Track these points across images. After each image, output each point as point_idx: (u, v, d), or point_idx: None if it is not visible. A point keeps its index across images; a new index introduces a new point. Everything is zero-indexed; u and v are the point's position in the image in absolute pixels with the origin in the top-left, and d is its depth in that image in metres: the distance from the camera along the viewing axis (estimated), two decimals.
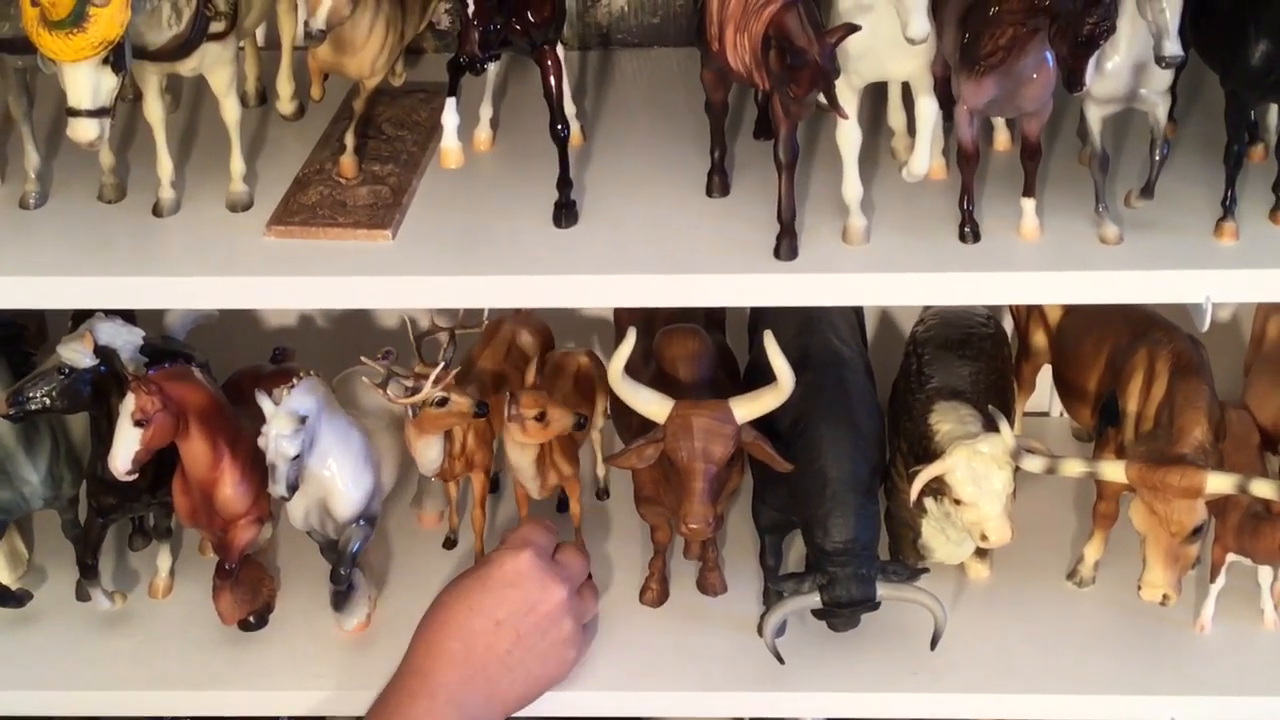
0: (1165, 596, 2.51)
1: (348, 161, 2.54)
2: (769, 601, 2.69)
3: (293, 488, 2.51)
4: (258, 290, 2.36)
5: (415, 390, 2.59)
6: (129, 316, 2.72)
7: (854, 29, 2.17)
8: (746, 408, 2.48)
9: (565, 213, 2.42)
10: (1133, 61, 2.28)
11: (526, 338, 2.92)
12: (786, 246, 2.31)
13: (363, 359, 2.63)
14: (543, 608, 2.54)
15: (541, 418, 2.64)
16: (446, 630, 2.53)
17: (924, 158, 2.35)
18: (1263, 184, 2.41)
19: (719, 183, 2.50)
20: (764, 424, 2.52)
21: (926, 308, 2.94)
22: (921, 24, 2.16)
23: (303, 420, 2.49)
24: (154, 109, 2.47)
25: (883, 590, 2.53)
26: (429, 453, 2.73)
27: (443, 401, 2.60)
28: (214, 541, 2.74)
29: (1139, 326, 2.69)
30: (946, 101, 2.37)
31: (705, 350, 2.69)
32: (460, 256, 2.36)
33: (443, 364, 2.61)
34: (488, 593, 2.54)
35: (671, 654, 2.71)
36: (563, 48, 2.51)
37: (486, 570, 2.57)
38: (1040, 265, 2.29)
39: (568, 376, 2.89)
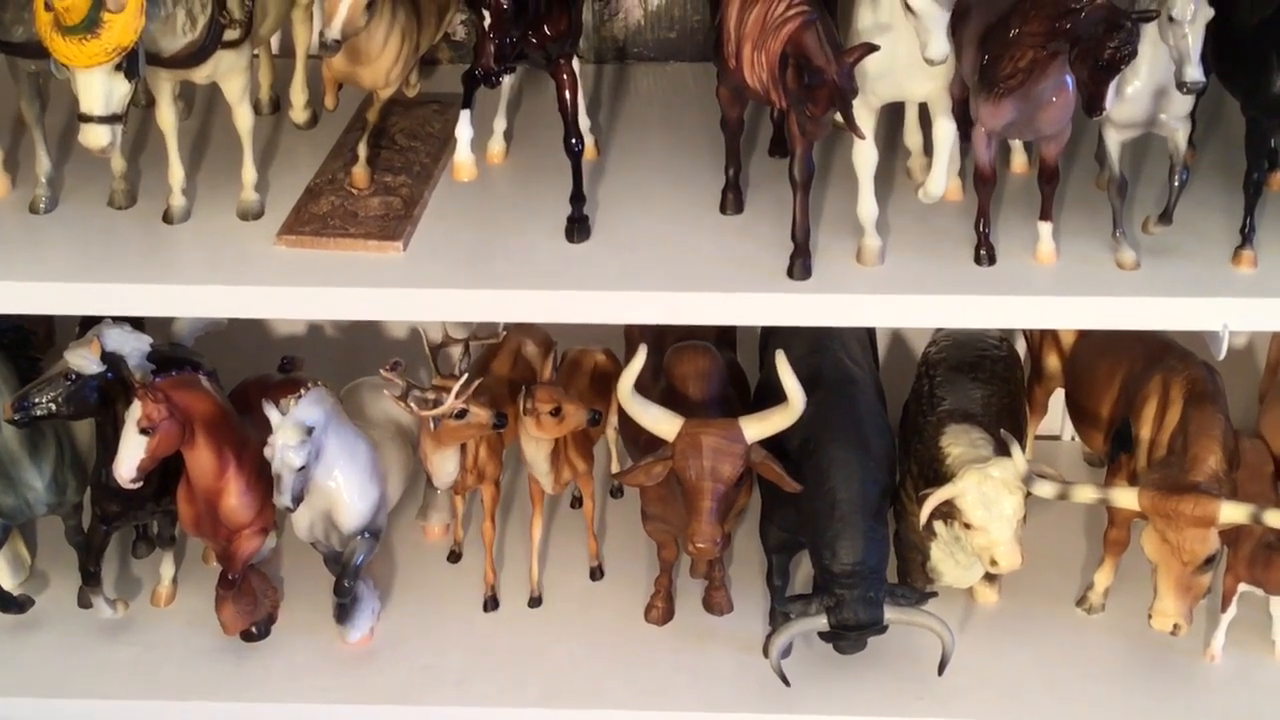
0: (1176, 626, 2.48)
1: (360, 172, 2.53)
2: (775, 622, 2.67)
3: (298, 499, 2.50)
4: (267, 300, 2.36)
5: (437, 403, 2.57)
6: (137, 323, 2.70)
7: (873, 49, 2.15)
8: (756, 427, 2.46)
9: (578, 227, 2.41)
10: (1153, 86, 2.27)
11: (531, 348, 2.91)
12: (800, 266, 2.30)
13: (381, 372, 2.62)
14: None
15: (557, 413, 2.63)
16: None
17: (940, 179, 2.34)
18: None
19: (733, 200, 2.49)
20: (773, 443, 2.50)
21: (939, 329, 2.92)
22: (941, 45, 2.15)
23: (309, 431, 2.48)
24: (167, 116, 2.46)
25: (890, 613, 2.51)
26: (446, 465, 2.72)
27: (462, 414, 2.59)
28: (218, 551, 2.73)
29: (1154, 352, 2.67)
30: (964, 123, 2.36)
31: (716, 368, 2.68)
32: (471, 270, 2.35)
33: (465, 376, 2.59)
34: None
35: (676, 673, 2.69)
36: (579, 61, 2.50)
37: None
38: (1056, 290, 2.28)
39: (584, 374, 2.88)
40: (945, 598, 2.69)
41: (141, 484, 2.51)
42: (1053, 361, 2.93)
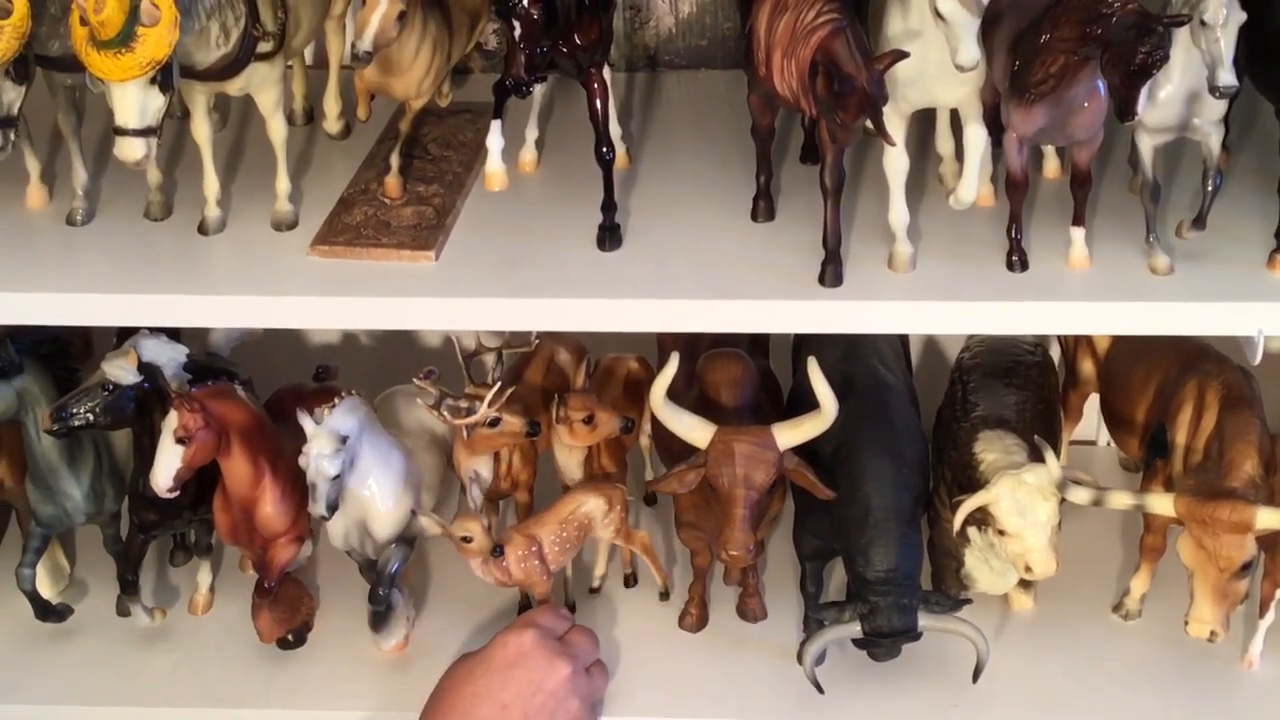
0: (1213, 633, 2.47)
1: (392, 182, 2.54)
2: (809, 629, 2.67)
3: (333, 507, 2.51)
4: (301, 310, 2.37)
5: (470, 411, 2.58)
6: (174, 333, 2.73)
7: (903, 55, 2.15)
8: (789, 434, 2.46)
9: (609, 236, 2.41)
10: (1186, 91, 2.25)
11: (564, 356, 2.92)
12: (831, 273, 2.30)
13: (415, 380, 2.63)
14: (549, 686, 2.46)
15: (589, 420, 2.65)
16: (451, 718, 2.44)
17: (972, 185, 2.33)
18: None
19: (764, 207, 2.49)
20: (806, 450, 2.50)
21: (972, 335, 2.92)
22: (971, 51, 2.15)
23: (343, 440, 2.49)
24: (201, 127, 2.48)
25: (924, 620, 2.50)
26: (479, 474, 2.73)
27: (495, 422, 2.60)
28: (254, 559, 2.75)
29: (1189, 357, 2.66)
30: (995, 128, 2.35)
31: (748, 375, 2.68)
32: (503, 278, 2.36)
33: (498, 384, 2.60)
34: (491, 675, 2.46)
35: (710, 681, 2.69)
36: (610, 70, 2.50)
37: (489, 652, 2.51)
38: (1089, 295, 2.27)
39: (617, 381, 2.89)
40: (980, 604, 2.68)
41: (178, 493, 2.53)
42: (1087, 367, 2.91)
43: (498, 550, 2.61)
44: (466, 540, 2.60)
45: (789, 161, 2.66)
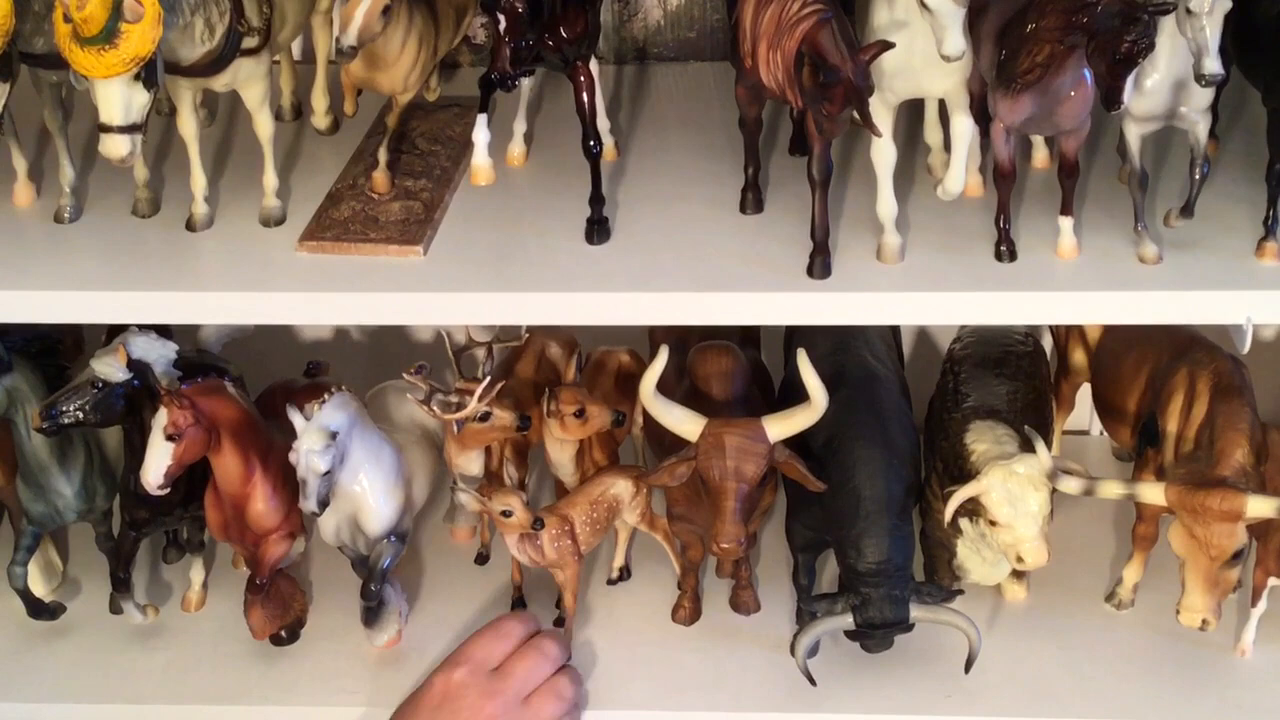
0: (1204, 621, 2.47)
1: (380, 177, 2.53)
2: (802, 621, 2.67)
3: (323, 503, 2.51)
4: (289, 306, 2.36)
5: (460, 406, 2.58)
6: (163, 330, 2.72)
7: (888, 46, 2.14)
8: (779, 426, 2.46)
9: (598, 229, 2.41)
10: (1172, 79, 2.25)
11: (555, 350, 2.91)
12: (820, 265, 2.29)
13: (405, 376, 2.63)
14: None
15: (580, 414, 2.65)
16: None
17: (960, 175, 2.32)
18: None
19: (752, 199, 2.48)
20: (798, 442, 2.50)
21: (964, 325, 2.91)
22: (957, 41, 2.14)
23: (334, 436, 2.49)
24: (188, 124, 2.47)
25: (916, 612, 2.50)
26: (470, 468, 2.73)
27: (485, 416, 2.60)
28: (246, 556, 2.75)
29: (1180, 346, 2.66)
30: (983, 119, 2.35)
31: (739, 367, 2.67)
32: (492, 273, 2.36)
33: (487, 379, 2.60)
34: (418, 718, 2.47)
35: (703, 673, 2.69)
36: (598, 62, 2.49)
37: (419, 695, 2.51)
38: (1078, 285, 2.27)
39: (608, 374, 2.89)
40: (972, 595, 2.68)
41: (169, 490, 2.53)
42: (1079, 356, 2.91)
43: (538, 523, 2.61)
44: (506, 514, 2.60)
45: (777, 153, 2.65)
